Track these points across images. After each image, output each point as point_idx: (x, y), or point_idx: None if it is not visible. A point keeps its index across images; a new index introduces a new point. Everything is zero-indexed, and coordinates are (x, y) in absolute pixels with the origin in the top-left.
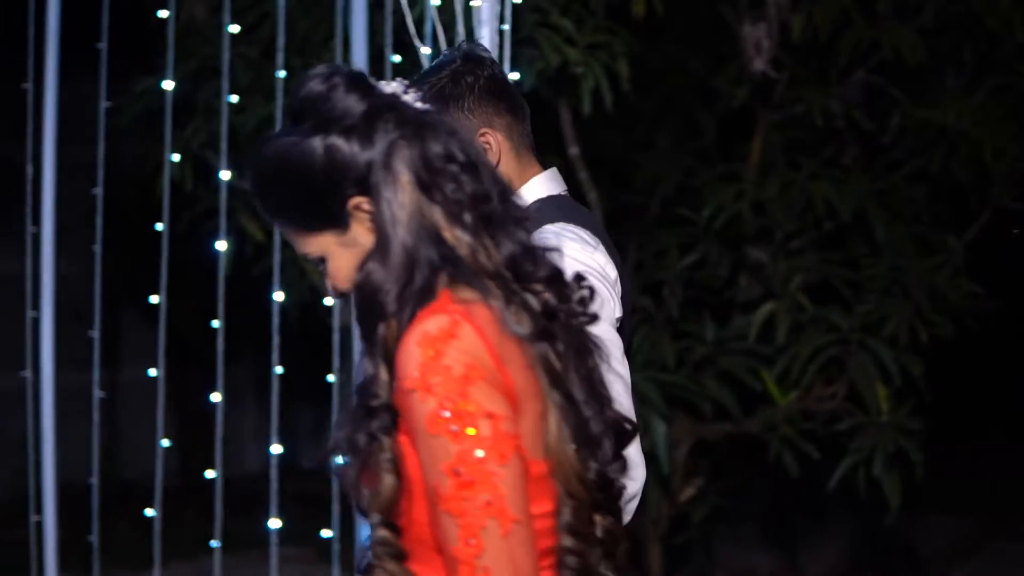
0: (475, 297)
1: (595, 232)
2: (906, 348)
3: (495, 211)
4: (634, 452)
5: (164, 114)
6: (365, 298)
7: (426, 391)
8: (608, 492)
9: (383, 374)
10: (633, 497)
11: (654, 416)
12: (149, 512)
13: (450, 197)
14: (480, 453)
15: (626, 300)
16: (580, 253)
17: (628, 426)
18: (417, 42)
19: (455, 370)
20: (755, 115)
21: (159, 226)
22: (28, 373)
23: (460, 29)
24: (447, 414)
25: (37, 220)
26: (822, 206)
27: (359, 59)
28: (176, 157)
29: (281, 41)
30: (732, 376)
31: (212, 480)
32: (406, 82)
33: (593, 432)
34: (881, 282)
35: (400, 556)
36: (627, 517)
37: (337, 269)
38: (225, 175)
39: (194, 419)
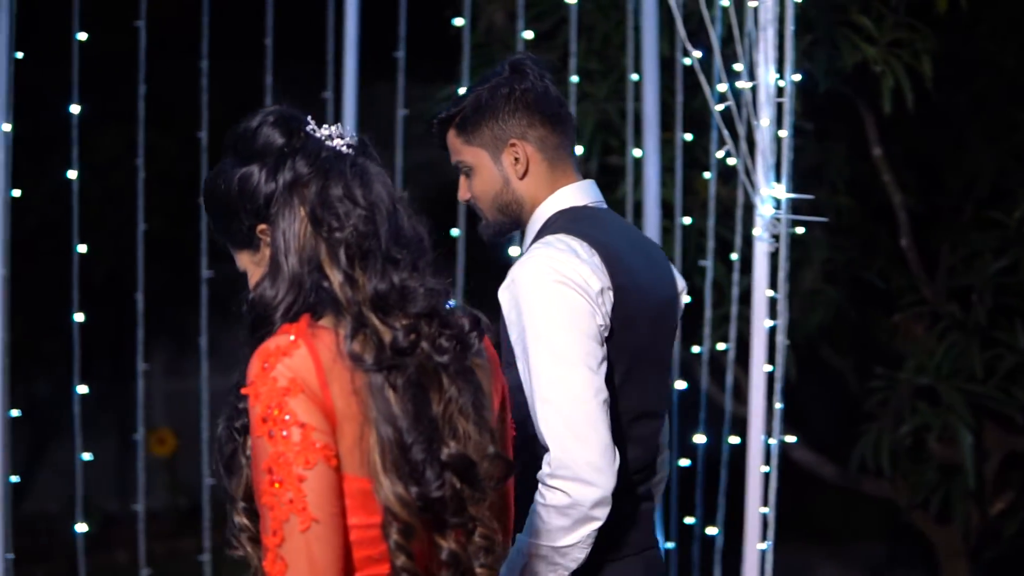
0: (328, 324)
1: (602, 246)
2: None
3: (373, 251)
4: (597, 456)
5: None
6: (255, 312)
7: (255, 397)
8: (440, 516)
9: None
10: (598, 503)
11: (960, 427)
12: None
13: (334, 235)
14: (289, 456)
15: (636, 310)
16: (562, 264)
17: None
18: (688, 46)
19: (279, 382)
20: None
21: (454, 232)
22: None
23: (739, 30)
24: (266, 419)
25: None
26: None
27: (650, 62)
28: None
29: (574, 46)
30: None
31: None
32: (343, 129)
33: (414, 459)
34: None
35: (256, 539)
36: (597, 522)
37: (252, 285)
38: None
39: None
